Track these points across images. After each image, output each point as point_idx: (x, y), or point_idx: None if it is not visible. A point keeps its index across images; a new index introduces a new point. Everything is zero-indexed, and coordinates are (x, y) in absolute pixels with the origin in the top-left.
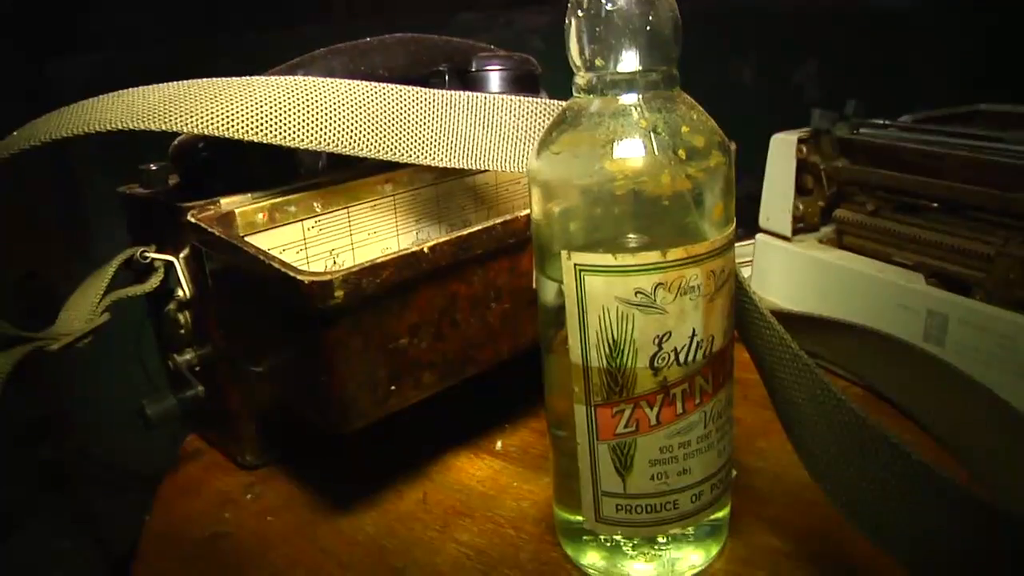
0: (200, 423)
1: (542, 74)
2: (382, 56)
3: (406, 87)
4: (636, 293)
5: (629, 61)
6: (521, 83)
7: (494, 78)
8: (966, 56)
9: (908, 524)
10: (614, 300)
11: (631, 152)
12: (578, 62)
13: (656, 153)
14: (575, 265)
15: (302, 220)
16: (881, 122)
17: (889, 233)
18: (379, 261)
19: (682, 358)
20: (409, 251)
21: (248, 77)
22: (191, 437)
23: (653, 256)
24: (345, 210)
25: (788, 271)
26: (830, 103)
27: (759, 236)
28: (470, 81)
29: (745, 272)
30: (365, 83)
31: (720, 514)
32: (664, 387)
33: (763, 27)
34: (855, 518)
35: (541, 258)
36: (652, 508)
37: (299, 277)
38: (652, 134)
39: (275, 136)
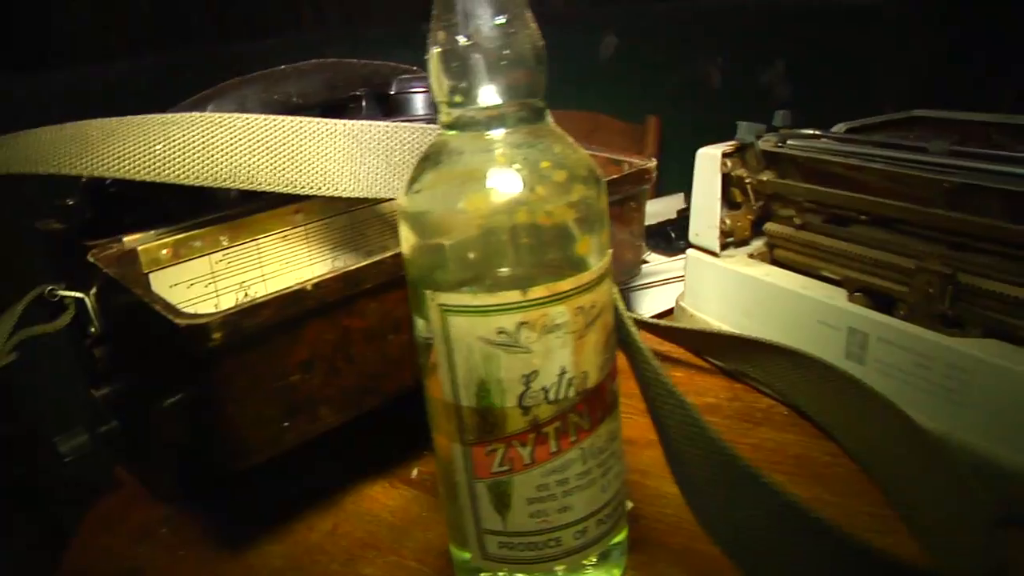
0: (123, 455)
1: None
2: (297, 84)
3: (306, 119)
4: (499, 333)
5: (489, 96)
6: None
7: (415, 100)
8: (935, 54)
9: (782, 564)
10: (478, 340)
11: (488, 189)
12: (440, 97)
13: (514, 190)
14: (439, 305)
15: (209, 254)
16: (811, 132)
17: (816, 247)
18: (259, 301)
19: (552, 396)
20: (291, 289)
21: (145, 116)
22: (119, 468)
23: (513, 295)
24: (254, 242)
25: (717, 287)
26: (799, 103)
27: (689, 251)
28: (391, 104)
29: (678, 288)
30: (263, 116)
31: (617, 539)
32: (535, 426)
33: (731, 28)
34: (734, 557)
35: (412, 295)
36: (535, 546)
37: (175, 320)
38: (511, 170)
39: (170, 175)
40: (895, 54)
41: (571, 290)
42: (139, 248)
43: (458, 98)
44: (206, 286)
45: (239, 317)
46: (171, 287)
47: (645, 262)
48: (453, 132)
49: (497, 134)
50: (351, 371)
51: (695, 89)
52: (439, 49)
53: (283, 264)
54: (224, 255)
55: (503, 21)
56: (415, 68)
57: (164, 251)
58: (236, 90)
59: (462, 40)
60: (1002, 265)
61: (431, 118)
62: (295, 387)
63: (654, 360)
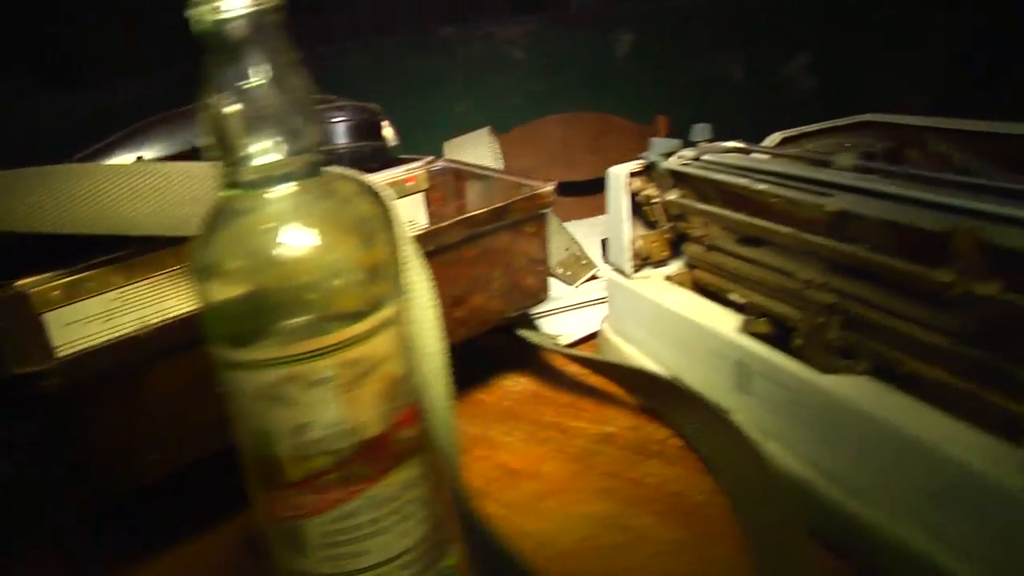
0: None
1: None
2: None
3: (176, 164)
4: (267, 387)
5: (260, 155)
6: (360, 131)
7: (336, 129)
8: (935, 54)
9: None
10: (251, 393)
11: (255, 249)
12: (216, 158)
13: (279, 247)
14: (218, 359)
15: (104, 293)
16: (732, 145)
17: (723, 269)
18: (93, 348)
19: (327, 447)
20: (133, 334)
21: (26, 168)
22: None
23: (275, 351)
24: (151, 279)
25: (629, 310)
26: (798, 101)
27: (607, 273)
28: None
29: (604, 308)
30: (149, 164)
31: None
32: (312, 476)
33: (752, 21)
34: None
35: None
36: None
37: (10, 368)
38: (277, 228)
39: (56, 226)
40: (895, 54)
41: (335, 345)
42: (30, 291)
43: (230, 158)
44: (103, 323)
45: (77, 363)
46: (66, 326)
47: (595, 277)
48: (231, 191)
49: (271, 192)
50: (210, 407)
51: (709, 87)
52: (208, 112)
53: (183, 300)
54: (120, 293)
55: (264, 82)
56: (333, 97)
57: (55, 292)
58: (145, 132)
59: (228, 102)
60: (883, 297)
61: (354, 147)
62: (152, 423)
63: (442, 413)
